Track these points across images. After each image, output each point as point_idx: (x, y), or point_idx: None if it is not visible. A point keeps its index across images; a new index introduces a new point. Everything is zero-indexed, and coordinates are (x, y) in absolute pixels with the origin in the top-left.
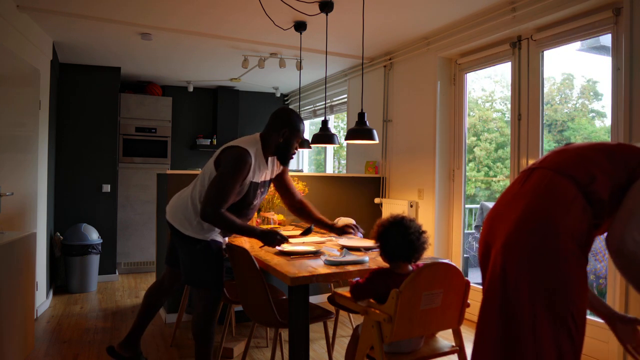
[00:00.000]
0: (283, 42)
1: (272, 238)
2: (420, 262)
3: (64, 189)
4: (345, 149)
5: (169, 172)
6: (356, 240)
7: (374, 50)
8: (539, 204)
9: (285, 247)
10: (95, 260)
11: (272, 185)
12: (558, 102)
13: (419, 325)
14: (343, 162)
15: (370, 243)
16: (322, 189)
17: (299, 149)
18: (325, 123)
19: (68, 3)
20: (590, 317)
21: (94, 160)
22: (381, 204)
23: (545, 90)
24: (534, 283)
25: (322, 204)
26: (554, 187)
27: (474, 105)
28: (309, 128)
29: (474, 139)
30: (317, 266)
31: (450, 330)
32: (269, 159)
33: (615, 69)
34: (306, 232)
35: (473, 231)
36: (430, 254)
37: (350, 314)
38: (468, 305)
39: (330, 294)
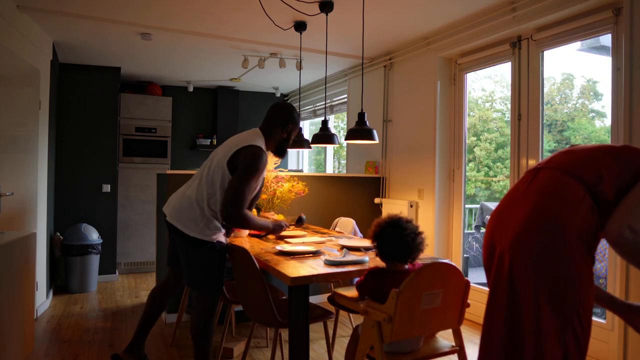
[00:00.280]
0: (283, 42)
1: (281, 227)
2: (419, 262)
3: (64, 189)
4: (345, 149)
5: (169, 172)
6: (356, 240)
7: (374, 50)
8: (547, 204)
9: (285, 247)
10: (95, 260)
11: (264, 184)
12: (558, 102)
13: (419, 325)
14: (343, 162)
15: (370, 243)
16: (322, 189)
17: (298, 149)
18: (325, 123)
19: (68, 3)
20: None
21: (94, 160)
22: (381, 204)
23: (545, 90)
24: (540, 283)
25: (322, 204)
26: (562, 187)
27: (474, 105)
28: (309, 128)
29: (474, 139)
30: (317, 266)
31: (450, 330)
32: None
33: (615, 69)
34: (299, 222)
35: (473, 231)
36: (430, 254)
37: (350, 314)
38: (468, 305)
39: (330, 294)
